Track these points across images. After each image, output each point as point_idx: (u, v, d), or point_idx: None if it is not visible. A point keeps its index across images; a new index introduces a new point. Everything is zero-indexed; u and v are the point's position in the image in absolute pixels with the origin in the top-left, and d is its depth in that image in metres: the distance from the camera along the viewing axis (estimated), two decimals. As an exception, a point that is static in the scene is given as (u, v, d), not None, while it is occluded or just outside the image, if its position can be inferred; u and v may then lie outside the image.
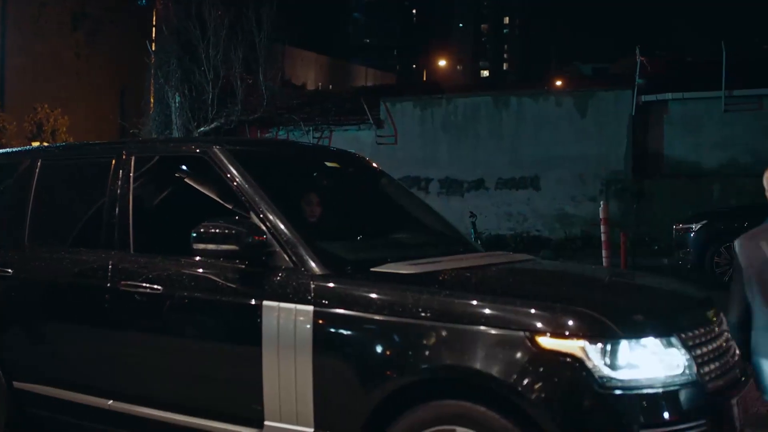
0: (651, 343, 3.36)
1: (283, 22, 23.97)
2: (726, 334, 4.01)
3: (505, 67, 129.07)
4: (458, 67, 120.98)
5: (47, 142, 40.85)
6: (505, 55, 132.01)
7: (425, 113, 22.33)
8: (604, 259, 12.87)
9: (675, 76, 20.20)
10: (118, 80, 54.55)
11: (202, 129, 22.42)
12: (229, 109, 22.34)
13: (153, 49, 26.13)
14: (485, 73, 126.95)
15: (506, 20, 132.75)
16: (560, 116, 20.57)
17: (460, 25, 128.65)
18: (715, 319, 3.95)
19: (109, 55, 55.83)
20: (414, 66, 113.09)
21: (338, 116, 23.43)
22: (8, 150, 5.86)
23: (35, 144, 39.59)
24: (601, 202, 13.60)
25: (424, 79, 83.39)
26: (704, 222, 12.37)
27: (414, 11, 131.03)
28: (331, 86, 69.33)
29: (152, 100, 27.57)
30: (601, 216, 12.96)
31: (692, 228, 12.38)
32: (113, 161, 4.70)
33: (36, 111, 42.94)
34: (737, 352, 4.11)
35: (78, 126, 43.29)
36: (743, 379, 3.93)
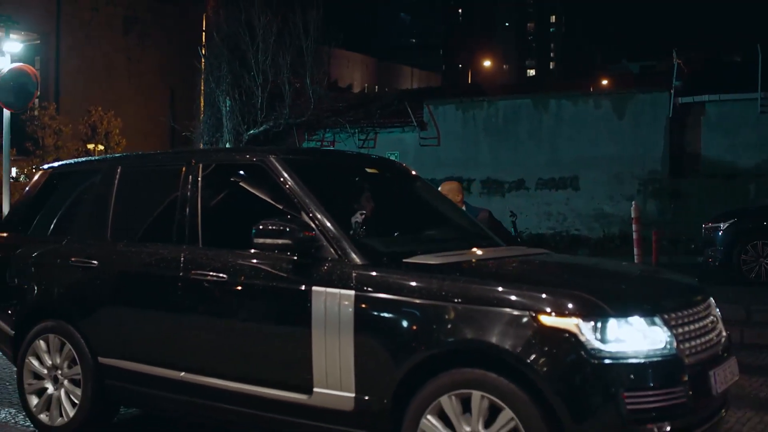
0: (636, 321, 3.98)
1: (330, 25, 24.61)
2: (712, 317, 4.63)
3: (551, 66, 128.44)
4: (504, 66, 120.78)
5: (101, 144, 42.08)
6: (552, 54, 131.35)
7: (467, 115, 22.90)
8: (635, 257, 13.34)
9: (711, 78, 20.54)
10: (167, 82, 55.73)
11: (251, 132, 23.14)
12: (278, 112, 22.99)
13: (204, 53, 26.94)
14: (531, 72, 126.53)
15: (552, 19, 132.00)
16: (599, 118, 21.02)
17: (506, 24, 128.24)
18: (701, 304, 4.57)
19: (159, 57, 57.09)
20: (460, 66, 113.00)
21: (383, 119, 24.05)
22: (92, 158, 6.67)
23: (90, 146, 40.86)
24: (633, 202, 14.08)
25: (469, 79, 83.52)
26: (732, 221, 12.75)
27: (459, 11, 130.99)
28: (376, 87, 70.09)
29: (202, 104, 28.42)
30: (632, 215, 13.47)
31: (720, 226, 12.78)
32: (183, 168, 5.46)
33: (90, 114, 44.23)
34: (724, 333, 4.73)
35: (129, 127, 44.47)
36: (725, 355, 4.54)
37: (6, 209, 16.37)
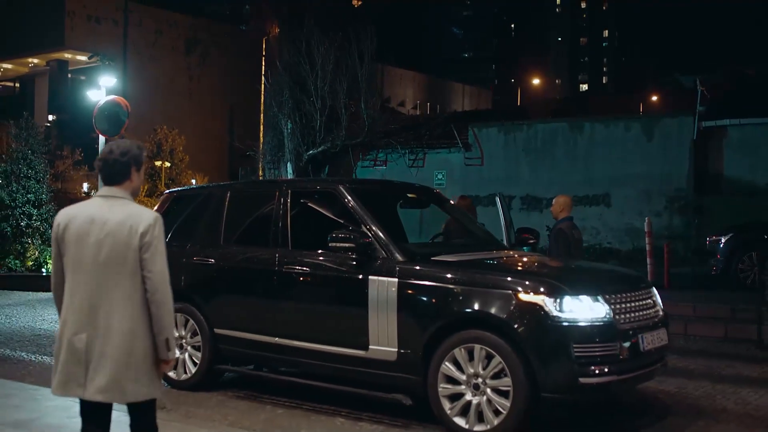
0: (585, 298, 5.96)
1: (382, 41, 26.18)
2: (649, 300, 6.58)
3: (604, 81, 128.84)
4: (556, 80, 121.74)
5: (167, 160, 44.63)
6: (604, 69, 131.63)
7: (508, 137, 24.81)
8: (648, 266, 15.08)
9: (734, 103, 22.11)
10: (226, 100, 58.25)
11: (310, 152, 24.93)
12: (335, 134, 24.54)
13: (267, 75, 28.79)
14: (584, 86, 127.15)
15: (605, 33, 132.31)
16: (629, 140, 22.69)
17: (559, 39, 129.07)
18: (641, 290, 6.52)
19: (218, 76, 59.72)
20: (512, 80, 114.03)
21: (431, 140, 25.93)
22: (210, 184, 8.87)
23: (157, 163, 43.40)
24: (646, 218, 15.80)
25: (519, 96, 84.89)
26: (731, 234, 14.48)
27: (512, 26, 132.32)
28: (428, 104, 71.99)
29: (261, 126, 30.48)
30: (645, 229, 15.23)
31: (721, 239, 14.49)
32: (277, 192, 7.59)
33: (156, 132, 46.86)
34: (660, 313, 6.68)
35: (189, 143, 47.06)
36: (659, 325, 6.49)
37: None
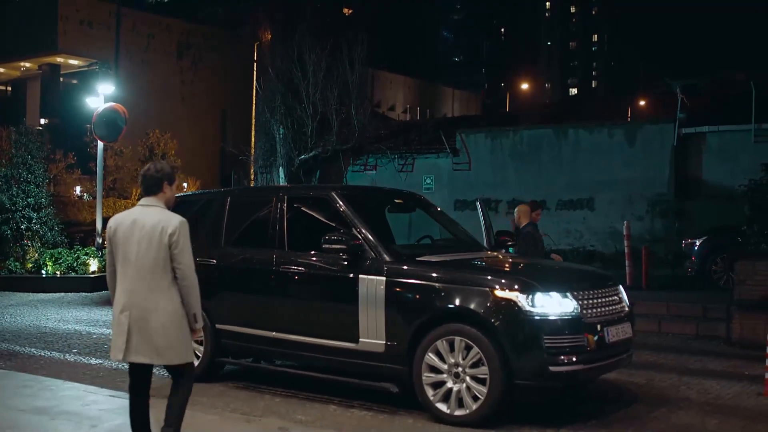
0: (554, 295, 6.56)
1: (374, 52, 26.71)
2: (615, 296, 7.19)
3: (594, 85, 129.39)
4: (546, 85, 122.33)
5: (159, 164, 45.14)
6: (594, 73, 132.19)
7: (495, 143, 25.43)
8: (627, 267, 15.70)
9: (712, 111, 22.75)
10: (218, 103, 58.68)
11: (302, 157, 25.54)
12: (326, 139, 25.16)
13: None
14: (574, 90, 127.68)
15: (595, 38, 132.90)
16: (612, 146, 23.31)
17: (549, 43, 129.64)
18: (607, 287, 7.14)
19: (211, 80, 60.15)
20: (502, 84, 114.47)
21: (420, 145, 26.55)
22: (212, 190, 9.47)
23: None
24: (625, 222, 16.41)
25: (508, 101, 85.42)
26: (705, 237, 15.17)
27: (502, 30, 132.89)
28: (418, 108, 72.59)
29: (253, 132, 31.05)
30: (624, 233, 15.85)
31: (696, 243, 15.17)
32: (275, 198, 8.19)
33: (148, 136, 47.25)
34: (626, 309, 7.29)
35: (182, 147, 47.47)
36: (625, 319, 7.11)
37: (100, 224, 19.37)
